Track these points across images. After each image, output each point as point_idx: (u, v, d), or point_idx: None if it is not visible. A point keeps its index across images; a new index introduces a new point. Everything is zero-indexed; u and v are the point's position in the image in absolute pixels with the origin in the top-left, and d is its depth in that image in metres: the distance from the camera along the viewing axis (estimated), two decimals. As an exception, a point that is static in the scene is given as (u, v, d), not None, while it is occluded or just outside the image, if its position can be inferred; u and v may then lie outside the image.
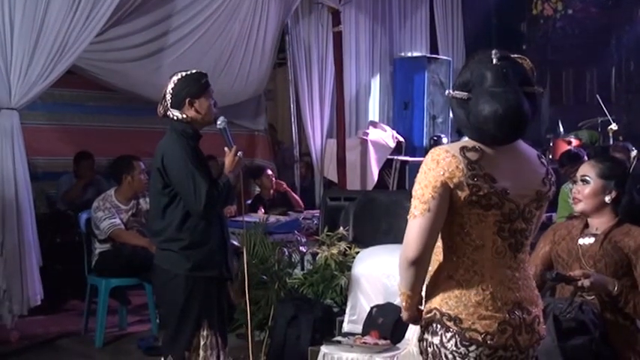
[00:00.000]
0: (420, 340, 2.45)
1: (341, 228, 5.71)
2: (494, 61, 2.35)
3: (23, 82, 5.65)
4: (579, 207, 3.24)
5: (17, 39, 5.56)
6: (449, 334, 2.33)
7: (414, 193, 2.32)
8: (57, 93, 7.60)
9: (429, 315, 2.38)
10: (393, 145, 8.79)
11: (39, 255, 5.80)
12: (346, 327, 4.80)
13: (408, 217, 2.31)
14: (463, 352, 2.32)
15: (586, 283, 3.01)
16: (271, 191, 7.97)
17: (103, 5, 6.01)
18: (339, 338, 4.65)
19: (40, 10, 5.61)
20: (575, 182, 3.32)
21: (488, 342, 2.31)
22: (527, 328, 2.37)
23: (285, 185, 8.13)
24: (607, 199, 3.20)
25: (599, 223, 3.22)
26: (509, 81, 2.33)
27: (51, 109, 7.91)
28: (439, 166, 2.29)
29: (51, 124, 8.00)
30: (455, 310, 2.33)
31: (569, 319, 3.02)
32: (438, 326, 2.35)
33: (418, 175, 2.33)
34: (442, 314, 2.34)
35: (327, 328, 5.00)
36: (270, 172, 8.05)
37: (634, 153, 6.44)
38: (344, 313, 4.93)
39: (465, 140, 2.39)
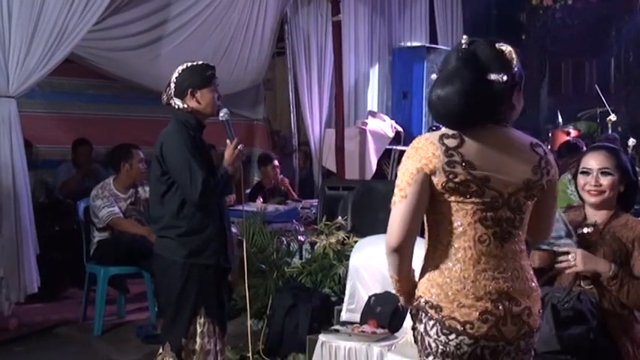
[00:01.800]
0: (412, 328, 2.46)
1: (339, 217, 5.72)
2: (463, 45, 2.38)
3: (21, 70, 5.64)
4: (600, 199, 3.20)
5: (15, 27, 5.55)
6: (431, 322, 2.34)
7: (397, 178, 2.35)
8: (55, 81, 7.60)
9: (415, 303, 2.40)
10: (391, 134, 8.79)
11: (36, 243, 5.80)
12: (344, 316, 4.81)
13: (391, 205, 2.34)
14: (444, 341, 2.32)
15: (569, 271, 3.06)
16: (272, 181, 8.00)
17: (101, -7, 6.01)
18: (337, 327, 4.65)
19: (37, -2, 5.61)
20: (584, 173, 3.25)
21: (468, 331, 2.30)
22: (513, 319, 2.33)
23: (287, 183, 8.13)
24: (622, 189, 3.22)
25: (600, 213, 3.23)
26: (468, 66, 2.32)
27: (49, 97, 7.91)
28: (417, 153, 2.32)
29: (49, 112, 7.99)
30: (436, 298, 2.33)
31: (567, 308, 3.03)
32: (423, 314, 2.36)
33: (402, 161, 2.37)
34: (426, 302, 2.35)
35: (325, 317, 5.01)
36: (277, 162, 8.10)
37: (632, 141, 6.44)
38: (342, 302, 4.93)
39: (444, 128, 2.39)
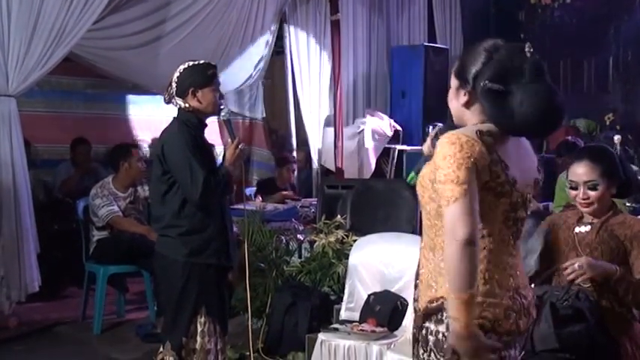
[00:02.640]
0: (419, 328, 2.39)
1: (338, 216, 5.73)
2: (528, 55, 2.33)
3: (20, 69, 5.64)
4: (591, 209, 3.22)
5: (14, 26, 5.56)
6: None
7: (443, 178, 2.21)
8: (55, 80, 7.61)
9: (435, 304, 2.32)
10: (390, 133, 8.78)
11: (36, 242, 5.81)
12: (343, 314, 4.82)
13: (445, 203, 2.20)
14: None
15: (580, 279, 3.06)
16: (286, 183, 8.10)
17: (100, -8, 6.01)
18: (336, 326, 4.66)
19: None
20: (571, 186, 3.26)
21: (497, 329, 2.29)
22: (525, 311, 2.36)
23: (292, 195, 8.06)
24: (614, 191, 3.23)
25: (596, 212, 3.24)
26: (544, 75, 2.33)
27: (48, 96, 7.91)
28: (463, 149, 2.21)
29: (49, 111, 8.00)
30: None
31: (565, 306, 3.04)
32: (445, 315, 2.28)
33: (440, 161, 2.23)
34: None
35: (325, 316, 5.02)
36: (294, 166, 8.20)
37: (617, 138, 6.46)
38: (341, 300, 4.94)
39: (475, 125, 2.34)
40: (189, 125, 3.87)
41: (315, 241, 5.65)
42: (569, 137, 7.73)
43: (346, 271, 5.04)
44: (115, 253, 5.94)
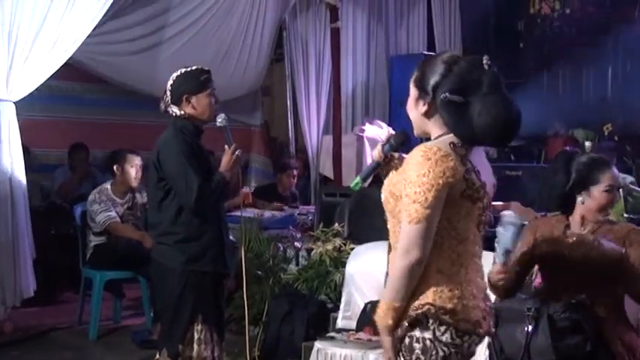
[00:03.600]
0: (402, 337, 2.41)
1: (336, 224, 5.73)
2: (487, 67, 2.40)
3: (20, 75, 5.63)
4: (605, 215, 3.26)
5: (15, 31, 5.55)
6: (443, 328, 2.35)
7: (412, 195, 2.31)
8: (54, 85, 7.57)
9: (420, 311, 2.36)
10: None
11: (32, 247, 5.79)
12: (340, 323, 4.81)
13: (407, 220, 2.31)
14: (458, 343, 2.37)
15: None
16: (287, 189, 8.09)
17: (100, -2, 6.01)
18: (333, 334, 4.66)
19: (41, 3, 5.60)
20: (609, 191, 3.22)
21: (478, 330, 2.39)
22: (491, 312, 2.49)
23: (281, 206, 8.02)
24: None
25: (589, 224, 3.23)
26: (502, 87, 2.41)
27: (47, 101, 7.89)
28: (438, 166, 2.30)
29: (47, 116, 7.99)
30: (449, 303, 2.35)
31: (563, 318, 3.03)
32: (431, 321, 2.35)
33: (413, 176, 2.32)
34: (437, 308, 2.35)
35: (321, 324, 5.02)
36: (294, 172, 8.17)
37: (588, 144, 6.49)
38: (338, 309, 4.94)
39: (447, 137, 2.41)
40: (184, 132, 3.86)
41: (312, 249, 5.65)
42: (568, 147, 7.72)
43: (343, 279, 5.03)
44: (111, 258, 5.92)
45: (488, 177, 2.57)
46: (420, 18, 9.89)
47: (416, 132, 2.54)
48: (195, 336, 3.86)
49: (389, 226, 2.50)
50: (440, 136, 2.43)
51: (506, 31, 11.18)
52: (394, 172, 2.52)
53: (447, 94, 2.37)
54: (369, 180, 2.82)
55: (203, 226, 3.84)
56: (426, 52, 9.32)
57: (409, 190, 2.32)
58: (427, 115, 2.45)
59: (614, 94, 10.29)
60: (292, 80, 8.84)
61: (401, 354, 2.42)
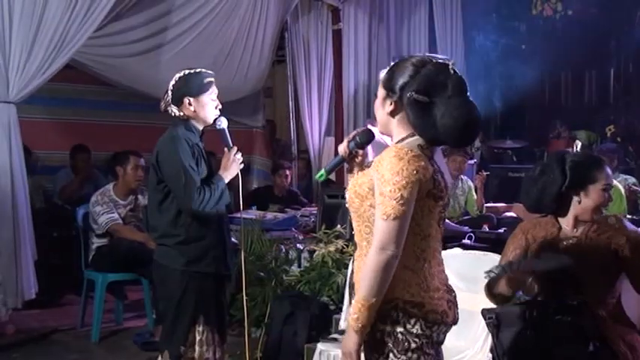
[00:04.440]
0: (372, 333, 2.47)
1: (338, 226, 5.72)
2: (452, 72, 2.53)
3: (21, 76, 5.64)
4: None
5: (16, 32, 5.55)
6: (412, 320, 2.45)
7: (387, 193, 2.39)
8: (55, 87, 7.59)
9: (390, 304, 2.44)
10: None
11: (34, 249, 5.79)
12: (342, 324, 4.79)
13: (383, 217, 2.39)
14: (428, 334, 2.47)
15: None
16: (282, 189, 8.11)
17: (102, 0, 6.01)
18: (335, 335, 4.65)
19: (39, 4, 5.61)
20: (606, 189, 3.24)
21: (445, 319, 2.50)
22: (455, 302, 2.59)
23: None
24: None
25: (581, 224, 3.22)
26: (466, 91, 2.52)
27: (49, 103, 7.91)
28: (410, 165, 2.40)
29: (49, 118, 8.00)
30: (417, 297, 2.45)
31: (564, 320, 3.03)
32: (400, 314, 2.45)
33: (387, 174, 2.40)
34: (405, 302, 2.45)
35: (324, 326, 5.00)
36: (287, 172, 8.19)
37: (578, 143, 6.48)
38: (340, 310, 4.93)
39: (414, 138, 2.51)
40: (184, 134, 3.85)
41: (314, 251, 5.64)
42: (569, 150, 7.72)
43: (345, 280, 5.02)
44: (114, 260, 5.92)
45: (447, 177, 2.70)
46: (421, 20, 9.89)
47: (380, 130, 2.65)
48: (197, 337, 3.85)
49: (354, 226, 2.59)
50: (405, 138, 2.52)
51: (508, 32, 11.17)
52: (359, 172, 2.63)
53: (414, 93, 2.47)
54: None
55: (203, 228, 3.83)
56: (427, 54, 9.31)
57: (384, 189, 2.40)
58: (392, 114, 2.55)
59: (617, 95, 10.28)
60: (294, 82, 8.85)
61: (370, 350, 2.50)
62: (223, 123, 3.99)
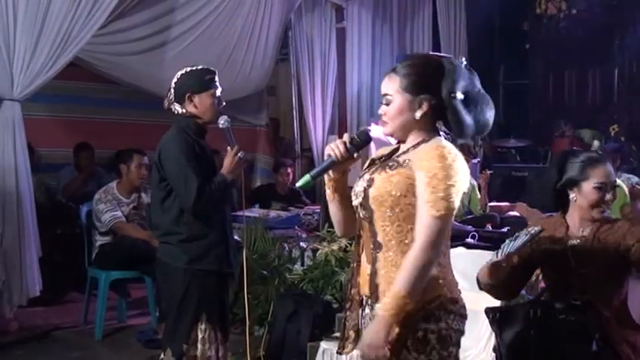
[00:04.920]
0: (414, 331, 2.44)
1: (342, 224, 5.70)
2: (470, 69, 2.56)
3: (26, 74, 5.64)
4: (606, 212, 3.25)
5: (20, 30, 5.56)
6: (452, 316, 2.48)
7: (439, 191, 2.38)
8: (59, 85, 7.58)
9: (433, 304, 2.45)
10: (394, 142, 8.79)
11: (38, 246, 5.80)
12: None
13: (434, 215, 2.38)
14: (462, 329, 2.54)
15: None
16: (285, 188, 8.11)
17: (106, -2, 6.02)
18: (338, 334, 4.63)
19: (43, 2, 5.61)
20: (599, 188, 3.19)
21: (466, 314, 2.56)
22: None
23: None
24: None
25: (587, 223, 3.22)
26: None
27: (53, 100, 7.91)
28: (458, 163, 2.43)
29: (53, 115, 8.00)
30: (454, 293, 2.51)
31: (568, 319, 3.02)
32: (442, 312, 2.46)
33: (438, 172, 2.39)
34: (447, 299, 2.47)
35: (327, 324, 5.00)
36: (289, 170, 8.19)
37: (596, 144, 6.47)
38: (343, 309, 4.92)
39: (439, 139, 2.53)
40: (187, 132, 3.85)
41: (317, 249, 5.64)
42: (575, 148, 7.72)
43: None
44: (117, 258, 5.92)
45: None
46: (425, 18, 9.89)
47: (397, 136, 2.62)
48: (200, 335, 3.86)
49: (378, 224, 2.50)
50: (428, 138, 2.52)
51: (512, 31, 11.17)
52: (382, 171, 2.54)
53: (455, 92, 2.47)
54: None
55: (206, 226, 3.83)
56: (431, 53, 9.31)
57: (438, 186, 2.38)
58: (425, 116, 2.52)
59: (621, 94, 10.27)
60: (298, 80, 8.85)
61: (409, 350, 2.45)
62: (226, 122, 3.98)
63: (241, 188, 4.19)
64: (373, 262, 2.52)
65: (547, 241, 3.24)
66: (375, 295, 2.50)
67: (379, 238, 2.51)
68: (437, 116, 2.54)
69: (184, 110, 3.86)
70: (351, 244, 5.45)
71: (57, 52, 5.77)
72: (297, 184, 2.65)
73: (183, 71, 3.89)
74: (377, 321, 2.42)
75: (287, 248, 5.97)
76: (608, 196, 3.20)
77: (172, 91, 3.88)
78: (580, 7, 10.47)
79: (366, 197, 2.53)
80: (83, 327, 6.14)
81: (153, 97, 7.41)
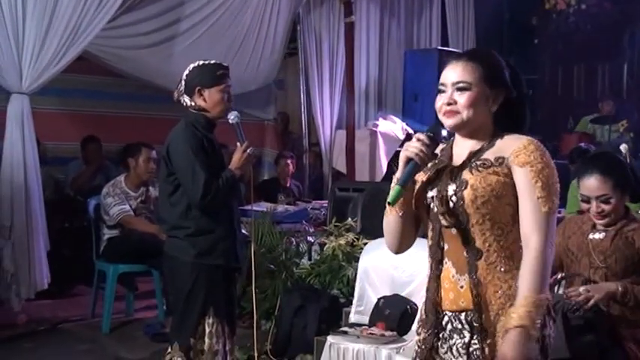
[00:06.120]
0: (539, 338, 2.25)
1: (349, 219, 5.72)
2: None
3: (34, 67, 5.66)
4: (605, 221, 3.22)
5: (29, 24, 5.57)
6: (551, 322, 2.32)
7: (550, 186, 2.26)
8: (68, 78, 7.60)
9: (544, 310, 2.25)
10: (402, 137, 8.78)
11: (47, 239, 5.82)
12: (353, 318, 4.80)
13: (547, 211, 2.24)
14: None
15: (591, 303, 3.03)
16: (287, 179, 8.16)
17: (115, -9, 6.03)
18: (345, 329, 4.64)
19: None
20: (583, 200, 3.24)
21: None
22: None
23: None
24: (626, 200, 3.21)
25: (611, 221, 3.22)
26: None
27: (61, 94, 7.93)
28: (550, 159, 2.31)
29: (61, 109, 8.03)
30: (549, 294, 2.30)
31: (577, 317, 3.02)
32: (547, 317, 2.29)
33: (544, 169, 2.27)
34: (549, 302, 2.30)
35: (334, 319, 5.00)
36: (289, 161, 8.23)
37: (624, 147, 6.45)
38: (350, 303, 4.93)
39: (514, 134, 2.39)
40: (195, 126, 3.84)
41: (325, 244, 5.64)
42: (583, 144, 7.70)
43: (356, 274, 5.02)
44: (125, 252, 5.94)
45: None
46: (433, 13, 9.87)
47: (466, 129, 2.37)
48: (207, 329, 3.85)
49: (476, 229, 2.29)
50: (499, 135, 2.36)
51: (521, 26, 11.13)
52: (475, 171, 2.31)
53: (525, 90, 2.43)
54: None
55: (213, 221, 3.82)
56: (440, 48, 9.29)
57: (549, 181, 2.26)
58: (496, 111, 2.37)
59: (630, 90, 10.23)
60: (306, 74, 8.83)
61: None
62: (236, 117, 3.97)
63: (250, 183, 4.18)
64: (471, 271, 2.29)
65: (572, 232, 3.26)
66: (479, 307, 2.28)
67: (477, 245, 2.29)
68: (507, 112, 2.39)
69: (193, 103, 3.85)
70: (358, 239, 5.45)
71: (65, 45, 5.79)
72: (389, 199, 2.31)
73: (195, 64, 3.88)
74: (518, 334, 2.16)
75: (294, 242, 5.97)
76: (593, 209, 3.19)
77: (183, 83, 3.87)
78: (590, 2, 10.42)
79: (459, 201, 2.29)
80: (91, 320, 6.16)
81: (161, 90, 7.45)
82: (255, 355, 4.45)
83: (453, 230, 2.32)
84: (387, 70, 9.45)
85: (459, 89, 2.33)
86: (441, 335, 2.36)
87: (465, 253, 2.30)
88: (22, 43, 5.56)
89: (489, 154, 2.32)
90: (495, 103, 2.36)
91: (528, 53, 10.90)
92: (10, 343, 5.53)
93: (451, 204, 2.31)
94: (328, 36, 8.79)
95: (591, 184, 3.19)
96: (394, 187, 2.29)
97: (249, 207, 5.14)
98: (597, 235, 3.21)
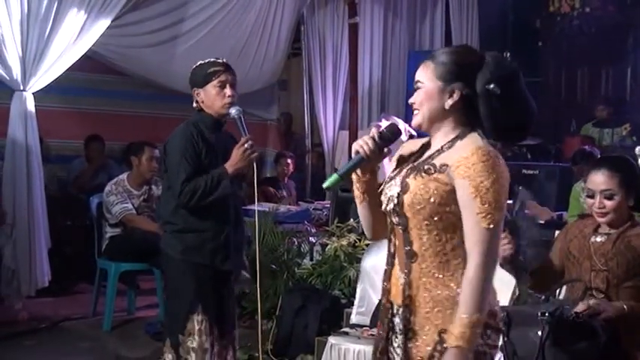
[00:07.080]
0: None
1: (351, 219, 5.71)
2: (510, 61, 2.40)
3: (39, 66, 5.67)
4: (607, 219, 3.20)
5: (33, 22, 5.58)
6: (489, 331, 2.29)
7: (491, 201, 2.19)
8: (70, 76, 7.59)
9: (496, 320, 2.31)
10: (405, 138, 8.74)
11: (48, 237, 5.83)
12: (354, 318, 4.80)
13: (487, 226, 2.19)
14: (498, 344, 2.37)
15: (602, 316, 3.02)
16: (285, 178, 8.20)
17: (120, -10, 6.04)
18: (346, 329, 4.65)
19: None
20: (588, 194, 3.23)
21: (503, 328, 2.45)
22: None
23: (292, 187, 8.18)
24: (631, 202, 3.20)
25: (614, 223, 3.21)
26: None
27: (65, 92, 7.91)
28: (500, 167, 2.22)
29: (64, 107, 8.00)
30: (492, 305, 2.30)
31: (578, 321, 3.01)
32: (488, 330, 2.29)
33: (485, 181, 2.19)
34: (490, 314, 2.29)
35: (335, 319, 5.01)
36: (289, 161, 8.27)
37: (638, 149, 6.43)
38: (352, 304, 4.93)
39: (475, 135, 2.31)
40: (196, 125, 3.84)
41: (327, 244, 5.64)
42: (586, 147, 7.69)
43: (357, 275, 5.03)
44: (127, 250, 5.94)
45: None
46: (437, 14, 9.87)
47: (425, 126, 2.36)
48: (196, 327, 3.81)
49: (413, 233, 2.30)
50: (462, 135, 2.31)
51: (525, 28, 11.09)
52: (418, 176, 2.30)
53: (492, 85, 2.26)
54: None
55: (202, 220, 3.80)
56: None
57: (488, 197, 2.18)
58: (454, 107, 2.31)
59: (633, 93, 10.21)
60: (309, 75, 8.84)
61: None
62: (237, 112, 3.89)
63: (252, 182, 4.14)
64: (407, 272, 2.31)
65: (574, 235, 3.26)
66: (408, 307, 2.30)
67: (414, 248, 2.30)
68: (471, 110, 2.31)
69: (196, 104, 3.88)
70: (360, 240, 5.46)
71: (70, 44, 5.79)
72: (325, 185, 2.42)
73: (194, 65, 3.91)
74: (454, 354, 2.17)
75: (296, 243, 5.98)
76: (595, 204, 3.18)
77: (190, 86, 3.91)
78: (594, 5, 10.39)
79: (399, 204, 2.30)
80: (92, 318, 6.16)
81: (164, 89, 7.46)
82: (260, 355, 4.44)
83: (399, 229, 2.35)
84: (390, 71, 9.46)
85: (417, 88, 2.39)
86: (393, 322, 2.41)
87: (404, 253, 2.33)
88: (27, 42, 5.57)
89: (439, 159, 2.29)
90: (451, 99, 2.31)
91: (532, 55, 10.88)
92: (10, 341, 5.53)
93: (393, 205, 2.33)
94: (332, 36, 8.80)
95: (598, 178, 3.19)
96: (332, 175, 2.40)
97: (251, 207, 5.13)
98: (599, 239, 3.21)
